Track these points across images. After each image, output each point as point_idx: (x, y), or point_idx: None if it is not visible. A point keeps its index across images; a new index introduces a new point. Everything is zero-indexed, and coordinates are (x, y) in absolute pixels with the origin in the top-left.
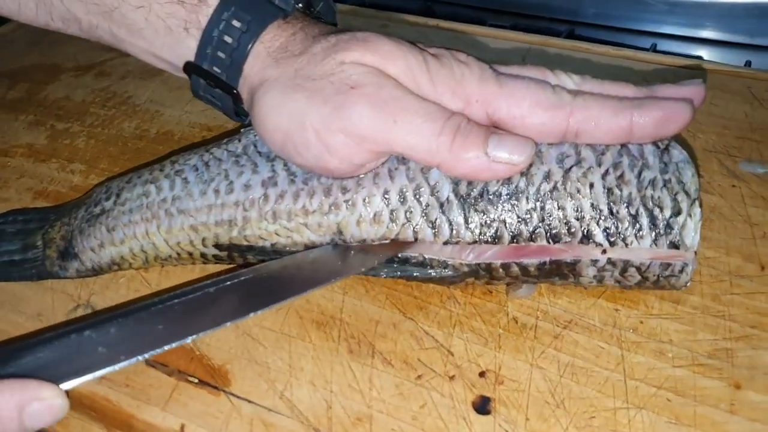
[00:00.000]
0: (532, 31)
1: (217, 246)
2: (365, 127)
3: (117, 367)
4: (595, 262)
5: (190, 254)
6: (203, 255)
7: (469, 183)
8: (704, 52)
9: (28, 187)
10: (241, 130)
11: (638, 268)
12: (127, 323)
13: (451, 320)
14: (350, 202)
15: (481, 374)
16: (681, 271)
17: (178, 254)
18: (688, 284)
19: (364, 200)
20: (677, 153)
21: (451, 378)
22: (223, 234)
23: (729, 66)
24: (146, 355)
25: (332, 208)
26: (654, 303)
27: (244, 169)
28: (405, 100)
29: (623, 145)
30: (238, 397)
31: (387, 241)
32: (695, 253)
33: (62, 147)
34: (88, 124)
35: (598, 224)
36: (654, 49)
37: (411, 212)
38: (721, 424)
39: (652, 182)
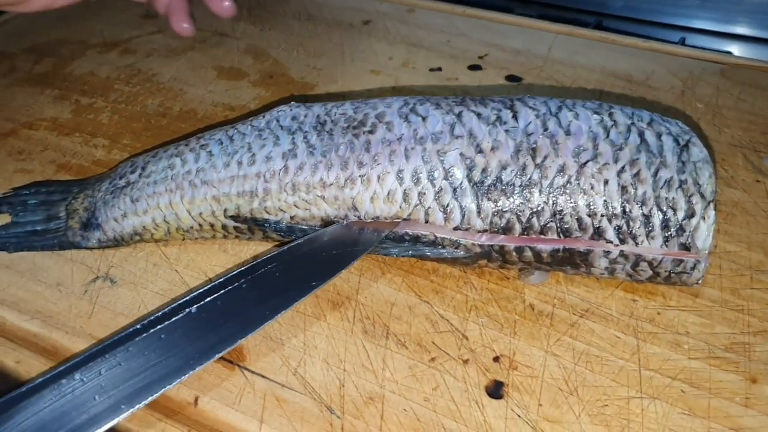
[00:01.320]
0: (558, 21)
1: (237, 217)
2: None
3: (119, 418)
4: (607, 253)
5: (212, 225)
6: (224, 227)
7: (483, 170)
8: (734, 48)
9: (51, 159)
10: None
11: (650, 263)
12: (116, 359)
13: (467, 305)
14: (365, 178)
15: (495, 359)
16: (693, 269)
17: (200, 225)
18: (700, 281)
19: (378, 177)
20: (697, 151)
21: (465, 362)
22: (245, 205)
23: (758, 61)
24: (147, 401)
25: (348, 182)
26: (672, 295)
27: (266, 141)
28: None
29: (642, 140)
30: (253, 372)
31: (399, 220)
32: (708, 253)
33: (86, 122)
34: (112, 100)
35: (610, 222)
36: (683, 43)
37: (424, 194)
38: (735, 418)
39: (668, 182)
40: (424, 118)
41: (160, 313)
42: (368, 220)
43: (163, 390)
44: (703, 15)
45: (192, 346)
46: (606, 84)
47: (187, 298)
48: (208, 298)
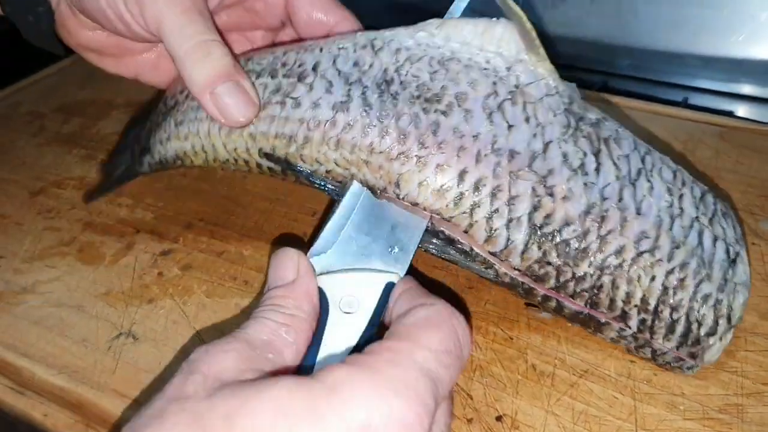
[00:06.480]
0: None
1: (271, 156)
2: None
3: None
4: (622, 330)
5: (246, 162)
6: (258, 165)
7: (547, 216)
8: (737, 108)
9: (77, 218)
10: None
11: (654, 350)
12: None
13: (472, 364)
14: (422, 161)
15: (498, 418)
16: (689, 368)
17: (235, 160)
18: (692, 372)
19: (437, 165)
20: (741, 271)
21: (469, 421)
22: (281, 147)
23: (756, 123)
24: None
25: (401, 156)
26: None
27: (316, 84)
28: None
29: (700, 242)
30: None
31: (438, 217)
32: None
33: None
34: None
35: (638, 313)
36: (685, 102)
37: (477, 207)
38: None
39: (706, 298)
40: (509, 126)
41: None
42: (405, 203)
43: None
44: (706, 75)
45: None
46: None
47: None
48: None
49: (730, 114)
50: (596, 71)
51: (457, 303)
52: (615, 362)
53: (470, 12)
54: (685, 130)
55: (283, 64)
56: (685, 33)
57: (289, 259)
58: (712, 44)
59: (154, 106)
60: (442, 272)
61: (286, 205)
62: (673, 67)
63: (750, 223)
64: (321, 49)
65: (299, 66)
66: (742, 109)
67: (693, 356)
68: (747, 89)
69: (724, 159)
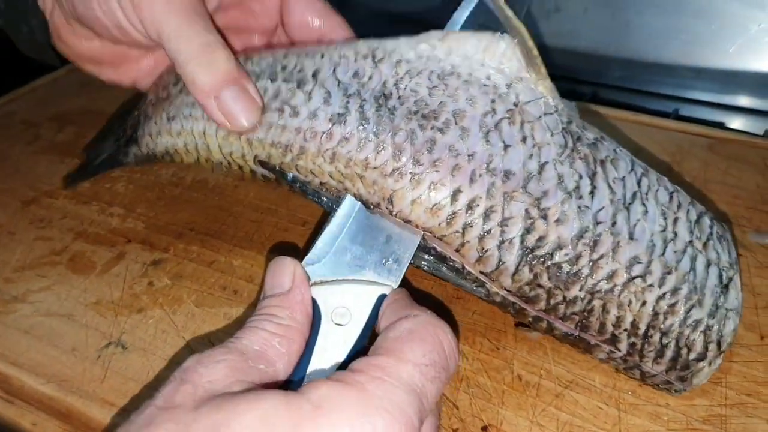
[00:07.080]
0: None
1: (266, 164)
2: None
3: None
4: (611, 352)
5: (240, 167)
6: (252, 172)
7: (540, 238)
8: (727, 119)
9: (69, 227)
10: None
11: (643, 372)
12: None
13: (459, 375)
14: (416, 178)
15: (484, 429)
16: (677, 391)
17: (229, 164)
18: (679, 395)
19: (431, 184)
20: (733, 297)
21: (455, 431)
22: (276, 156)
23: (745, 135)
24: None
25: (395, 173)
26: None
27: (315, 94)
28: None
29: (692, 268)
30: None
31: (430, 235)
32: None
33: (103, 190)
34: (128, 170)
35: (628, 337)
36: (676, 114)
37: (470, 227)
38: None
39: (696, 323)
40: (506, 147)
41: None
42: (397, 219)
43: None
44: (697, 86)
45: None
46: None
47: None
48: None
49: (721, 125)
50: (586, 82)
51: (445, 313)
52: (600, 373)
53: (472, 24)
54: (674, 141)
55: (283, 68)
56: (677, 44)
57: (285, 267)
58: (704, 56)
59: (144, 95)
60: (430, 282)
61: (277, 215)
62: (665, 78)
63: (737, 235)
64: (322, 56)
65: (299, 71)
66: (733, 121)
67: (682, 380)
68: (738, 101)
69: (713, 170)
